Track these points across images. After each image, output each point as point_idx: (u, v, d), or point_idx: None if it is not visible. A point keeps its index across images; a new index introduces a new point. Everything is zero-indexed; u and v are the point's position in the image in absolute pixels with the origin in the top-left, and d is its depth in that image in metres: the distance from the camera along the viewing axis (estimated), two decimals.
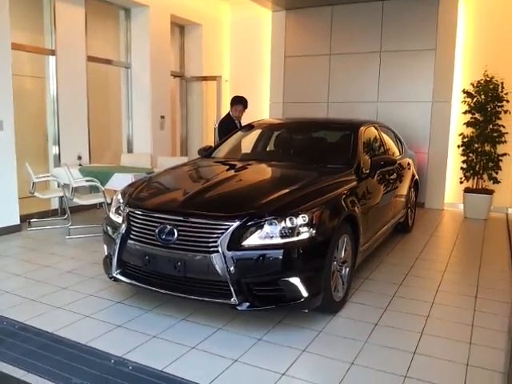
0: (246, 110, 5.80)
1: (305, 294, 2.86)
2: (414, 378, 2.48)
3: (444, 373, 2.55)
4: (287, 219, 2.88)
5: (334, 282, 3.18)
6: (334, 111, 7.93)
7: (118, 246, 3.16)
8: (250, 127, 4.90)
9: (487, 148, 6.74)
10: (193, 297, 2.91)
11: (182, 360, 2.62)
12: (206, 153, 4.60)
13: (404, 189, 5.17)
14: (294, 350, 2.76)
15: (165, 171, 3.99)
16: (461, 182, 6.98)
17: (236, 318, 3.14)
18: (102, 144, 7.69)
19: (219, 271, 2.78)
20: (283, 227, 2.86)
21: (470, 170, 6.81)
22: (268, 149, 4.71)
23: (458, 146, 6.90)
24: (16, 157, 5.43)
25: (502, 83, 6.51)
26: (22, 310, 3.26)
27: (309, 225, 2.91)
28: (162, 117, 7.71)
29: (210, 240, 2.83)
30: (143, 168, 6.28)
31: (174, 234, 2.91)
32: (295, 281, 2.83)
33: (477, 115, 6.74)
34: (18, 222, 5.54)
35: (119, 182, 5.66)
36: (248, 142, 4.79)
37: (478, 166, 6.78)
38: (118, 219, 3.32)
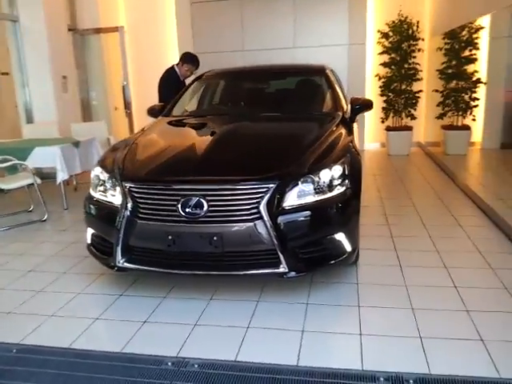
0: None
1: (348, 248, 2.72)
2: (477, 310, 2.53)
3: (492, 301, 2.65)
4: (322, 174, 2.65)
5: None
6: (251, 60, 7.62)
7: (122, 229, 2.64)
8: (205, 79, 4.42)
9: (404, 86, 7.10)
10: (236, 272, 2.58)
11: (249, 343, 2.34)
12: (165, 112, 4.06)
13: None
14: (349, 307, 2.64)
15: (138, 135, 3.39)
16: (382, 122, 7.32)
17: (264, 287, 2.89)
18: None
19: (264, 240, 2.48)
20: (320, 183, 2.64)
21: (391, 108, 7.16)
22: (240, 101, 4.30)
23: (380, 87, 7.16)
24: None
25: (418, 22, 6.82)
26: None
27: (343, 176, 2.72)
28: (64, 77, 6.67)
29: (250, 207, 2.49)
30: (66, 138, 5.43)
31: (202, 205, 2.50)
32: (340, 236, 2.67)
33: (393, 55, 7.02)
34: None
35: (42, 157, 4.85)
36: (210, 96, 4.34)
37: (397, 105, 7.15)
38: (112, 199, 2.77)
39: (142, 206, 2.64)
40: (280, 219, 2.49)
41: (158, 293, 2.90)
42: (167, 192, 2.60)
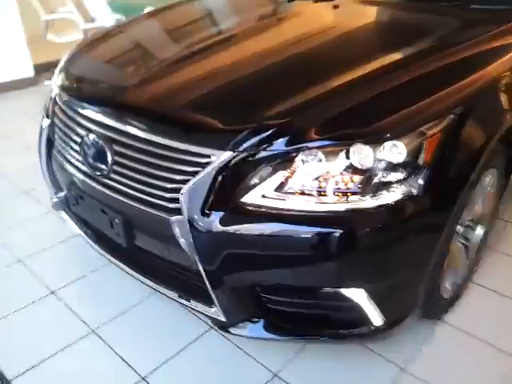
0: None
1: (377, 320, 1.28)
2: None
3: None
4: (356, 149, 1.16)
5: (448, 266, 1.54)
6: None
7: (43, 155, 1.72)
8: None
9: None
10: (157, 287, 1.45)
11: None
12: None
13: None
14: None
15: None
16: None
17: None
18: None
19: (187, 252, 1.25)
20: (346, 169, 1.17)
21: None
22: None
23: None
24: None
25: None
26: None
27: (409, 166, 1.18)
28: None
29: (170, 186, 1.25)
30: None
31: (106, 157, 1.37)
32: (357, 296, 1.23)
33: None
34: (32, 74, 4.33)
35: None
36: None
37: None
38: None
39: (56, 130, 1.63)
40: (218, 225, 1.19)
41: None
42: (75, 117, 1.50)
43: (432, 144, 1.20)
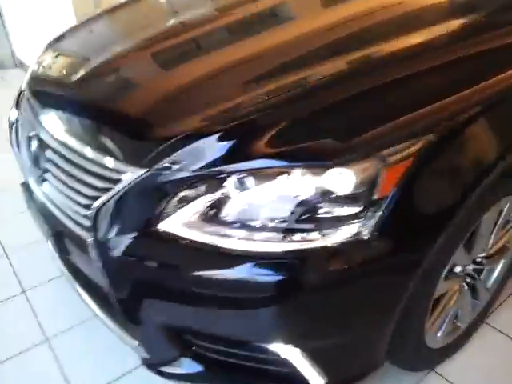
0: None
1: (317, 380, 1.04)
2: None
3: None
4: (294, 175, 0.92)
5: (442, 312, 1.26)
6: None
7: (15, 148, 1.63)
8: None
9: None
10: (91, 305, 1.31)
11: None
12: None
13: None
14: None
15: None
16: None
17: None
18: None
19: (99, 275, 1.09)
20: (282, 199, 0.93)
21: None
22: None
23: None
24: None
25: None
26: None
27: (362, 199, 0.92)
28: None
29: (83, 202, 1.10)
30: None
31: (40, 161, 1.25)
32: (287, 352, 1.01)
33: None
34: None
35: None
36: None
37: None
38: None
39: (19, 124, 1.53)
40: (125, 253, 0.99)
41: None
42: (30, 113, 1.36)
43: (396, 172, 0.93)
